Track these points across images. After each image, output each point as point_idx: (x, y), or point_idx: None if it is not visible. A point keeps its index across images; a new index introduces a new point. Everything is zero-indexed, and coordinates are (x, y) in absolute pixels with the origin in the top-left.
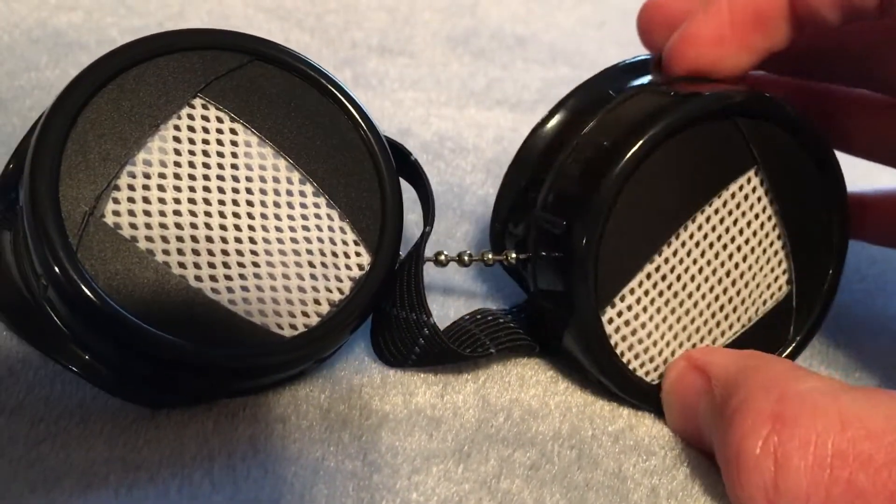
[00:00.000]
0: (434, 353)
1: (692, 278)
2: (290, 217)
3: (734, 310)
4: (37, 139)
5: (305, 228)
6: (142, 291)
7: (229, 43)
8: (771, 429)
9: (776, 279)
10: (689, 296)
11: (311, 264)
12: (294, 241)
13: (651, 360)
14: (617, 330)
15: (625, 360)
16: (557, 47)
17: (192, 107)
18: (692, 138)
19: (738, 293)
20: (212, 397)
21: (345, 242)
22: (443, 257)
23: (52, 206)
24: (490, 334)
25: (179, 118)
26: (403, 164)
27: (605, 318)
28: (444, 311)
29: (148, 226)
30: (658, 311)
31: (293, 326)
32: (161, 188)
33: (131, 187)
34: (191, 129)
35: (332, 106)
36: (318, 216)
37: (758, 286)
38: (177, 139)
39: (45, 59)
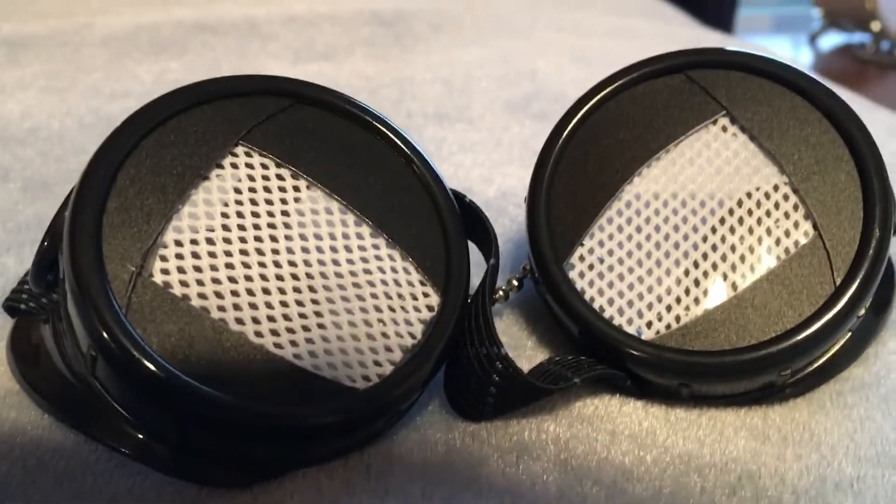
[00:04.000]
0: (511, 390)
1: (665, 220)
2: (350, 261)
3: (742, 258)
4: (75, 199)
5: (367, 272)
6: (199, 352)
7: (268, 87)
8: None
9: (795, 224)
10: (666, 238)
11: (377, 309)
12: (356, 285)
13: (629, 304)
14: (581, 275)
15: (596, 305)
16: None
17: (235, 155)
18: (637, 96)
19: (741, 239)
20: (283, 469)
21: (410, 283)
22: (500, 294)
23: (95, 267)
24: (571, 368)
25: (222, 167)
26: (460, 207)
27: (568, 268)
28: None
29: (200, 282)
30: (629, 254)
31: (366, 378)
32: (210, 241)
33: (178, 243)
34: (235, 178)
35: (381, 143)
36: (378, 258)
37: (768, 232)
38: (222, 189)
39: (95, 142)
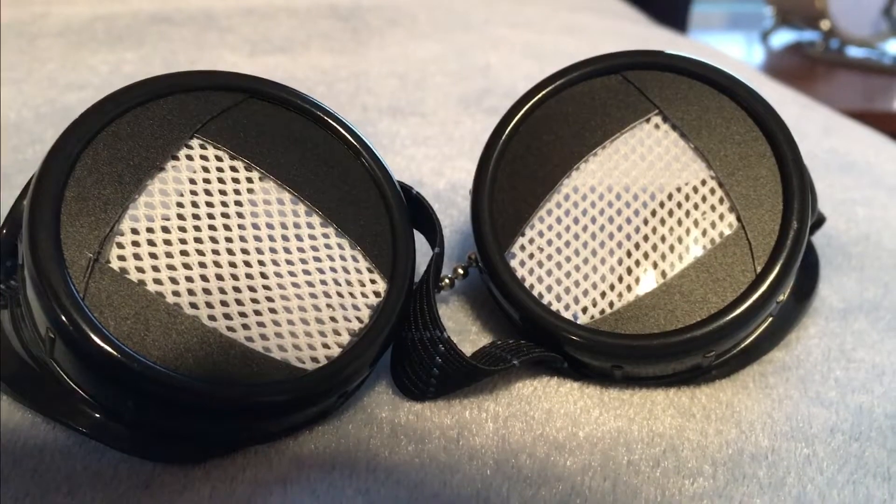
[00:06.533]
0: (453, 371)
1: (601, 212)
2: (301, 249)
3: (671, 248)
4: (34, 189)
5: (317, 259)
6: (154, 334)
7: (223, 83)
8: None
9: (720, 216)
10: (601, 229)
11: (326, 294)
12: (307, 272)
13: (566, 291)
14: (522, 264)
15: (535, 292)
16: None
17: (190, 147)
18: (576, 94)
19: (671, 230)
20: (235, 446)
21: (358, 270)
22: (445, 281)
23: (54, 254)
24: (511, 351)
25: (178, 159)
26: (407, 199)
27: (509, 257)
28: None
29: (155, 268)
30: (566, 244)
31: (315, 359)
32: (165, 230)
33: (135, 231)
34: (190, 169)
35: (331, 137)
36: (328, 246)
37: (696, 223)
38: (177, 180)
39: (50, 132)
